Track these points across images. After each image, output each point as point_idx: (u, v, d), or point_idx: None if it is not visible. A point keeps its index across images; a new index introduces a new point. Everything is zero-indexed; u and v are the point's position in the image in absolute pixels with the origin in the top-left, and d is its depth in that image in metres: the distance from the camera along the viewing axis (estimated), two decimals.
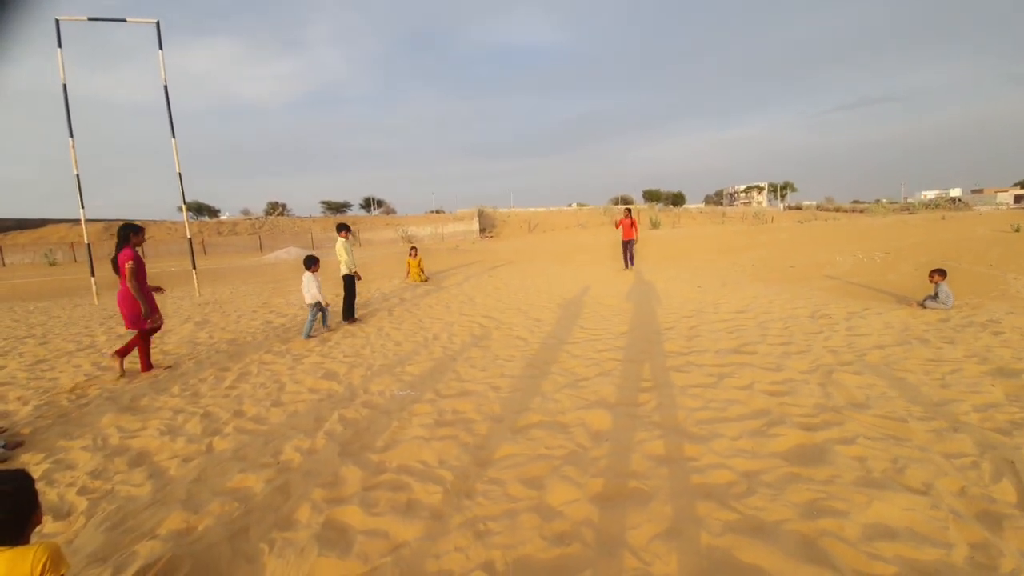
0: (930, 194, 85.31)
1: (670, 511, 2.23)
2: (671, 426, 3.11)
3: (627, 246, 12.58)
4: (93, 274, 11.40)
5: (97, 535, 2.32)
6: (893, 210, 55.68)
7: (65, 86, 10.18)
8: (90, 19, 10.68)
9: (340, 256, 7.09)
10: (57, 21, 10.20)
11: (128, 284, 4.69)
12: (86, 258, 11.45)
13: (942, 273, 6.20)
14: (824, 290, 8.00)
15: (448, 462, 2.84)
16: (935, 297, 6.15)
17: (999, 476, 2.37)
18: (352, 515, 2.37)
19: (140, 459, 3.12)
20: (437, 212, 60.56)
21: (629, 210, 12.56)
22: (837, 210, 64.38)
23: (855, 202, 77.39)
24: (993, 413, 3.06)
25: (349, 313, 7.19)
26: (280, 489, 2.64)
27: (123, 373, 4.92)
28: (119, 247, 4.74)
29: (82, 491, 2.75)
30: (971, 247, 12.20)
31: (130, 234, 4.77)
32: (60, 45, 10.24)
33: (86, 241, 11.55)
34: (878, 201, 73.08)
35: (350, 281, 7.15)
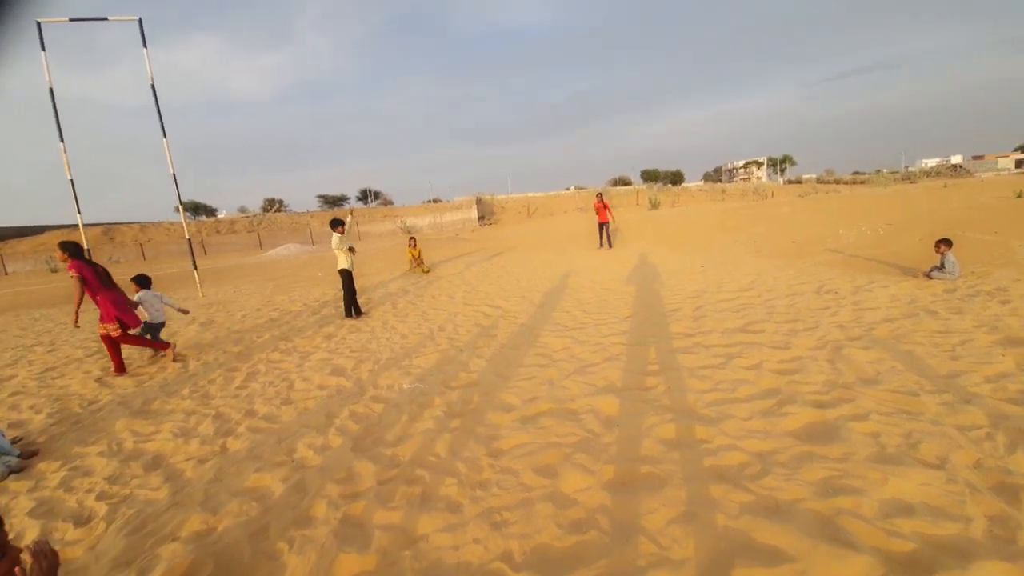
0: (931, 162, 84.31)
1: (685, 495, 2.24)
2: (681, 409, 3.11)
3: (603, 228, 13.86)
4: None
5: (119, 540, 2.35)
6: (894, 180, 55.16)
7: (52, 90, 10.03)
8: (71, 20, 10.45)
9: (337, 251, 7.07)
10: (39, 24, 9.98)
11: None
12: None
13: (948, 243, 6.14)
14: (828, 264, 7.95)
15: (460, 453, 2.86)
16: (941, 267, 6.10)
17: (1014, 447, 2.36)
18: (368, 510, 2.39)
19: (156, 462, 3.15)
20: (435, 201, 60.22)
21: (600, 195, 13.94)
22: (837, 182, 63.78)
23: (855, 173, 76.64)
24: (1005, 383, 3.05)
25: (349, 309, 7.14)
26: (296, 487, 2.66)
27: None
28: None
29: (101, 496, 2.78)
30: (975, 215, 12.10)
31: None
32: (44, 48, 10.03)
33: (85, 246, 11.49)
34: (879, 171, 72.32)
35: (347, 276, 7.08)
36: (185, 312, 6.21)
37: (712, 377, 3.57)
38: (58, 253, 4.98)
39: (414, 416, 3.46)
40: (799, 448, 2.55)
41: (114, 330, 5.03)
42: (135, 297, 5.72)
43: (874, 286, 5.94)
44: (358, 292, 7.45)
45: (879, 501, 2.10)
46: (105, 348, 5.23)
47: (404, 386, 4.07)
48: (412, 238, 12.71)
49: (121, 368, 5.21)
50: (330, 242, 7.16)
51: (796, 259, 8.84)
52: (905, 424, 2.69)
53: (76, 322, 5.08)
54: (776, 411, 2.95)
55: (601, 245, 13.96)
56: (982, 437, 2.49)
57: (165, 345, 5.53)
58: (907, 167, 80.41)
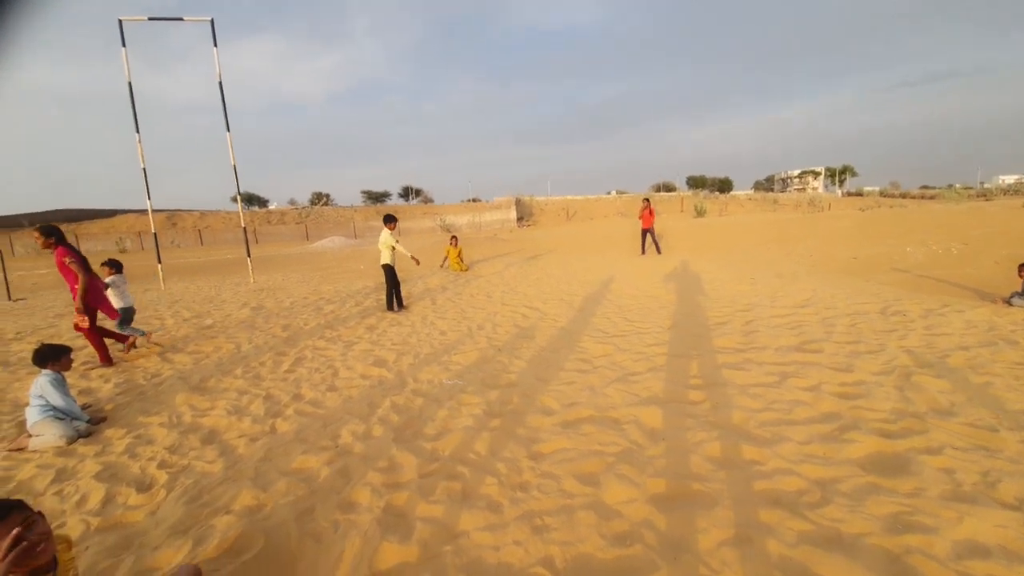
0: (1009, 179, 77.49)
1: (737, 517, 2.13)
2: (731, 427, 2.97)
3: (646, 234, 13.70)
4: (160, 261, 12.20)
5: (177, 508, 2.47)
6: (968, 196, 50.94)
7: (130, 84, 10.79)
8: (150, 19, 11.22)
9: (383, 245, 7.25)
10: (120, 22, 10.70)
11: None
12: (152, 246, 12.23)
13: None
14: (894, 284, 7.44)
15: (500, 453, 2.84)
16: (1023, 293, 5.59)
17: None
18: (411, 502, 2.41)
19: (211, 437, 3.32)
20: (474, 200, 60.90)
21: (647, 200, 13.70)
22: (903, 196, 59.80)
23: (924, 187, 71.56)
24: None
25: (391, 303, 7.27)
26: (340, 472, 2.72)
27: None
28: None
29: (162, 465, 2.95)
30: None
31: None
32: (124, 44, 10.74)
33: (153, 231, 12.34)
34: (950, 186, 67.14)
35: (390, 271, 7.23)
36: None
37: (765, 396, 3.39)
38: (39, 238, 4.45)
39: (454, 412, 3.48)
40: (863, 478, 2.37)
41: (82, 321, 4.68)
42: (107, 279, 5.54)
43: (947, 310, 5.48)
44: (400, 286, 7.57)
45: (952, 541, 1.93)
46: (88, 339, 4.92)
47: (444, 382, 4.11)
48: (453, 237, 12.89)
49: (107, 359, 4.97)
50: (379, 236, 7.35)
51: (857, 276, 8.33)
52: (983, 461, 2.47)
53: (84, 310, 4.64)
54: (837, 437, 2.77)
55: (643, 251, 13.75)
56: None
57: (124, 338, 5.36)
58: (982, 183, 74.26)
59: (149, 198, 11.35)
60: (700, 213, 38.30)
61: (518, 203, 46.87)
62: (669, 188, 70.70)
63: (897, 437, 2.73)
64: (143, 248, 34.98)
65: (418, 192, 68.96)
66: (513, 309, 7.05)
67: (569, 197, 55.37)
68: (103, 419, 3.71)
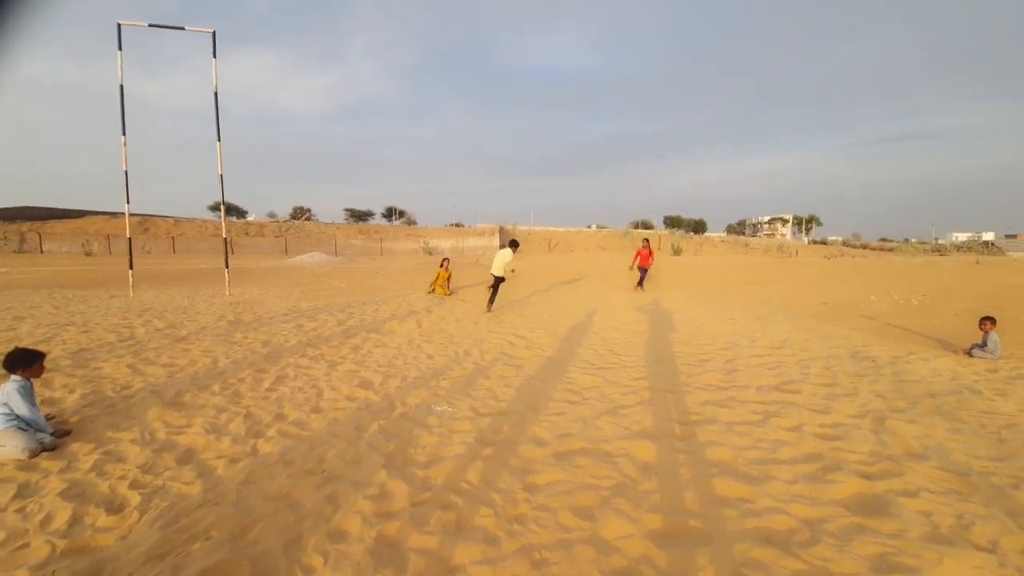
0: (962, 236, 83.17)
1: (732, 555, 2.16)
2: (721, 464, 3.03)
3: (644, 272, 14.13)
4: (131, 267, 11.75)
5: (152, 532, 2.34)
6: (924, 251, 54.19)
7: (122, 87, 10.62)
8: (150, 25, 11.14)
9: (501, 260, 9.19)
10: (119, 25, 10.59)
11: None
12: (121, 250, 11.80)
13: (992, 321, 6.00)
14: (862, 330, 7.80)
15: (494, 484, 2.81)
16: (983, 345, 5.94)
17: None
18: (403, 532, 2.35)
19: (188, 456, 3.16)
20: (457, 225, 61.17)
21: (647, 240, 14.30)
22: (864, 247, 63.13)
23: (883, 240, 75.86)
24: None
25: (491, 303, 9.32)
26: (329, 499, 2.64)
27: None
28: None
29: (134, 485, 2.79)
30: (1013, 295, 11.79)
31: None
32: (120, 48, 10.55)
33: (128, 235, 11.91)
34: (907, 240, 71.37)
35: (499, 280, 9.29)
36: None
37: (751, 434, 3.48)
38: None
39: (444, 439, 3.43)
40: (848, 519, 2.45)
41: None
42: None
43: (913, 358, 5.78)
44: (405, 309, 7.57)
45: None
46: None
47: (434, 407, 4.06)
48: (445, 259, 12.85)
49: None
50: (498, 253, 9.44)
51: (827, 321, 8.70)
52: (957, 504, 2.59)
53: None
54: (821, 477, 2.86)
55: (641, 286, 14.10)
56: None
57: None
58: (937, 239, 79.26)
59: (128, 202, 11.02)
60: (677, 252, 39.47)
61: (501, 231, 47.37)
62: (647, 226, 72.83)
63: (876, 479, 2.84)
64: (111, 252, 33.55)
65: (402, 213, 69.01)
66: (500, 336, 7.05)
67: (551, 228, 56.30)
68: (68, 432, 3.49)
